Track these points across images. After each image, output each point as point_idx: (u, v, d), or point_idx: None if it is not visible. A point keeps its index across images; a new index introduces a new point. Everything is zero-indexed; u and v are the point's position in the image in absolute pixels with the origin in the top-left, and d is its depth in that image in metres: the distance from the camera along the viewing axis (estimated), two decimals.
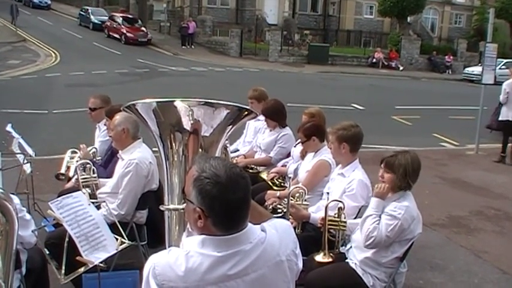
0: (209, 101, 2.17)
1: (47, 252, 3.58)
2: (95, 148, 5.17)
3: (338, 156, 4.08)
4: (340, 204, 3.65)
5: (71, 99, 13.91)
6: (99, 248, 3.25)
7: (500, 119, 10.05)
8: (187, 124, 2.17)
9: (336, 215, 3.65)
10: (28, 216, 3.24)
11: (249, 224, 1.85)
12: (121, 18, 33.73)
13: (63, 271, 3.23)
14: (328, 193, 3.99)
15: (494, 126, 10.64)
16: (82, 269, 3.20)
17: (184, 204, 1.92)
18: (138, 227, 4.25)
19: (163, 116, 2.20)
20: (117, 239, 3.40)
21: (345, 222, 3.64)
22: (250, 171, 5.44)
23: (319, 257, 3.60)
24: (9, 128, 5.24)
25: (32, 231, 3.13)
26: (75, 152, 5.03)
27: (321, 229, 3.67)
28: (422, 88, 18.84)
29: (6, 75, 18.84)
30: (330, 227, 3.64)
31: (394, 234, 3.34)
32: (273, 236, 1.89)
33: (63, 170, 4.81)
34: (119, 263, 3.88)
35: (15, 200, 3.15)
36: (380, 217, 3.37)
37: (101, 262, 3.17)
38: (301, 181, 4.49)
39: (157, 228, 4.21)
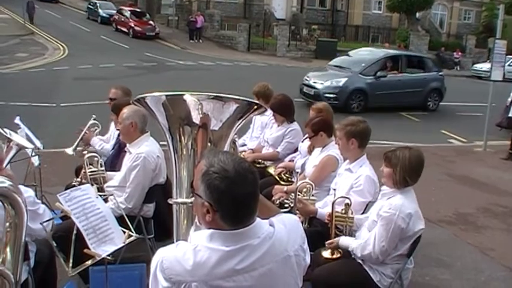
0: (219, 95, 2.15)
1: (55, 244, 3.59)
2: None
3: (346, 152, 4.06)
4: (347, 201, 3.65)
5: (79, 93, 13.99)
6: (107, 241, 3.26)
7: (510, 115, 10.00)
8: (196, 118, 2.16)
9: (343, 211, 3.64)
10: (41, 210, 3.24)
11: (257, 219, 1.85)
12: (129, 12, 33.69)
13: (70, 264, 3.24)
14: (335, 189, 3.98)
15: (504, 124, 10.59)
16: (89, 262, 3.20)
17: (193, 198, 1.92)
18: (146, 220, 4.28)
19: (173, 109, 2.19)
20: (124, 232, 3.41)
21: (352, 218, 3.64)
22: (258, 165, 5.44)
23: (326, 253, 3.59)
24: (17, 120, 5.26)
25: (40, 224, 3.13)
26: (96, 125, 5.32)
27: (328, 225, 3.67)
28: None
29: (14, 68, 18.89)
30: (337, 222, 3.64)
31: (390, 241, 3.31)
32: (281, 231, 1.89)
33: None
34: (126, 256, 3.89)
35: (30, 192, 3.16)
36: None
37: (108, 255, 3.18)
38: (309, 176, 4.48)
39: (164, 221, 4.24)
